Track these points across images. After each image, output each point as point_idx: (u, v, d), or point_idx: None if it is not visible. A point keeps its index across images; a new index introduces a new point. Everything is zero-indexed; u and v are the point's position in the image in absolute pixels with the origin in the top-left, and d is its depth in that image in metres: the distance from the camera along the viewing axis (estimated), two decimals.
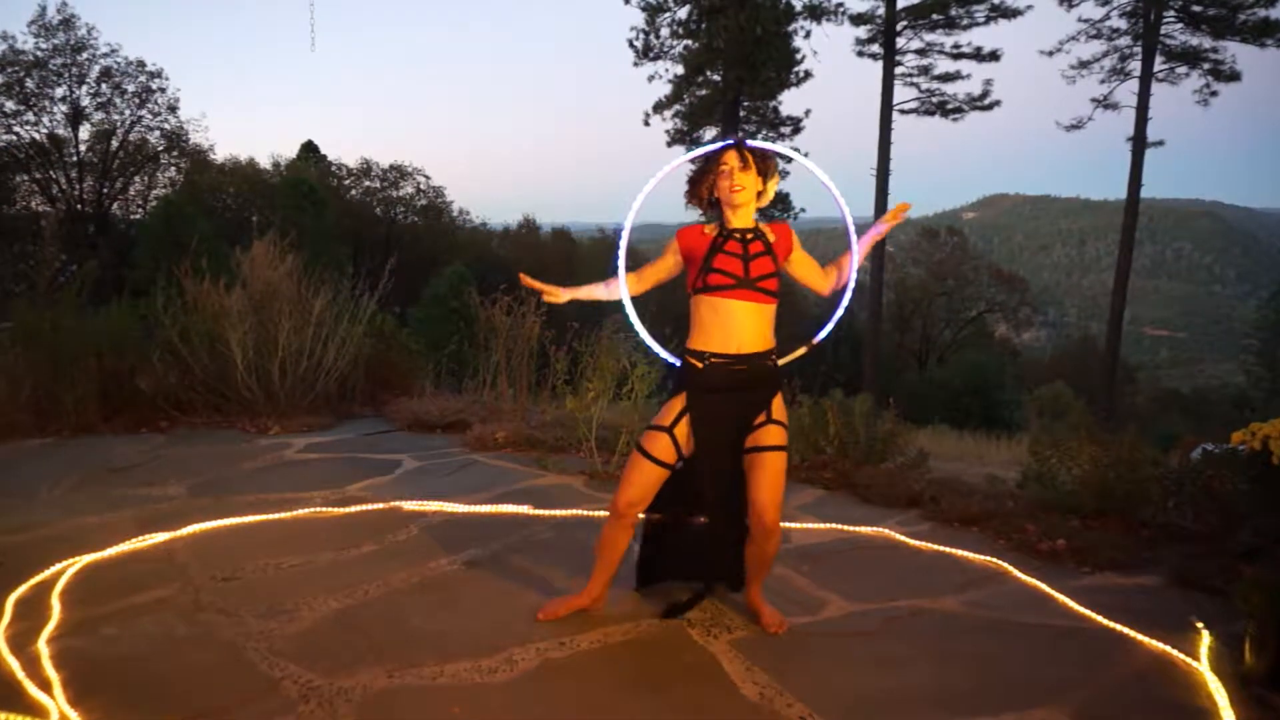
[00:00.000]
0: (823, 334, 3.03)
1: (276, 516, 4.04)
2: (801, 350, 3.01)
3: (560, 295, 2.96)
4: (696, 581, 3.06)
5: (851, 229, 2.94)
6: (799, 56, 27.98)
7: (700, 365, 2.75)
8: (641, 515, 2.91)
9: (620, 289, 2.87)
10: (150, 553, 3.54)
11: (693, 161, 2.86)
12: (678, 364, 2.83)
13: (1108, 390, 25.28)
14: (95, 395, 5.91)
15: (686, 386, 2.78)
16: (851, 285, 2.98)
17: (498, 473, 4.97)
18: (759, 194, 2.82)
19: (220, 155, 35.64)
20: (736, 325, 2.72)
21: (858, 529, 4.11)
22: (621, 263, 2.87)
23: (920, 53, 26.91)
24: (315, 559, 3.50)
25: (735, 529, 2.89)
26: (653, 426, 2.80)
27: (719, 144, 2.79)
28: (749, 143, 2.79)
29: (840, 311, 3.03)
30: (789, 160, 2.73)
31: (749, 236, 2.79)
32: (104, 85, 30.12)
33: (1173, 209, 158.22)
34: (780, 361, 2.85)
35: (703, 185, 2.81)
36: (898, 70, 26.73)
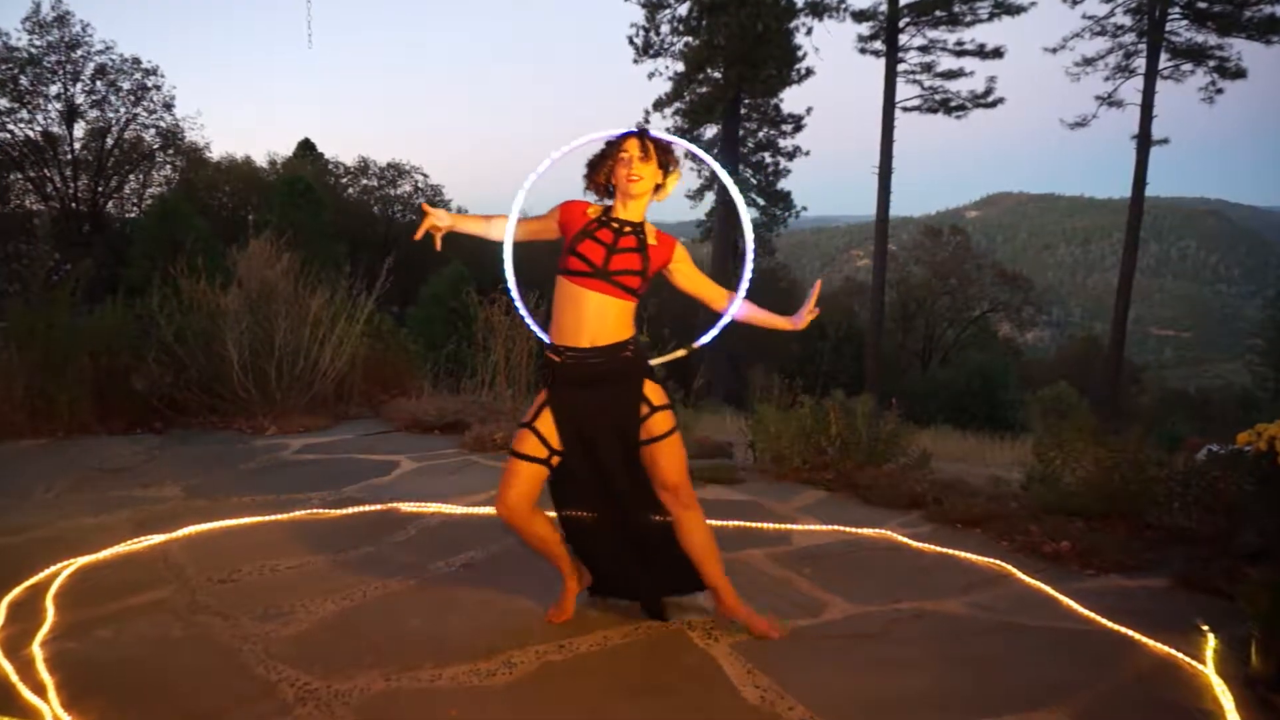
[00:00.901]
0: (703, 340, 3.07)
1: (273, 518, 4.04)
2: (680, 352, 3.02)
3: (443, 217, 2.86)
4: (640, 597, 3.00)
5: (748, 227, 3.00)
6: (800, 54, 28.00)
7: (558, 359, 2.73)
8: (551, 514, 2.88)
9: (504, 230, 2.82)
10: (146, 555, 3.54)
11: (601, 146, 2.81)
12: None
13: (1112, 391, 25.28)
14: (90, 395, 5.91)
15: (547, 381, 2.78)
16: (730, 313, 2.98)
17: (496, 474, 4.94)
18: (657, 188, 2.78)
19: (216, 153, 35.65)
20: (587, 316, 2.67)
21: (860, 530, 4.11)
22: (512, 223, 2.82)
23: (923, 49, 26.93)
24: (312, 561, 3.50)
25: (653, 532, 2.84)
26: (521, 424, 2.80)
27: (622, 130, 2.76)
28: (652, 133, 2.76)
29: (722, 322, 3.02)
30: (696, 160, 2.67)
31: (626, 229, 2.74)
32: (99, 82, 30.13)
33: (1178, 207, 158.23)
34: (655, 361, 2.86)
35: (601, 170, 2.77)
36: (900, 67, 26.74)
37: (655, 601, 2.98)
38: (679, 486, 2.76)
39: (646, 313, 4.95)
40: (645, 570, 2.92)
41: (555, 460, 2.77)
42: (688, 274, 2.89)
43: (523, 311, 3.00)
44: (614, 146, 2.75)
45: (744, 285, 2.99)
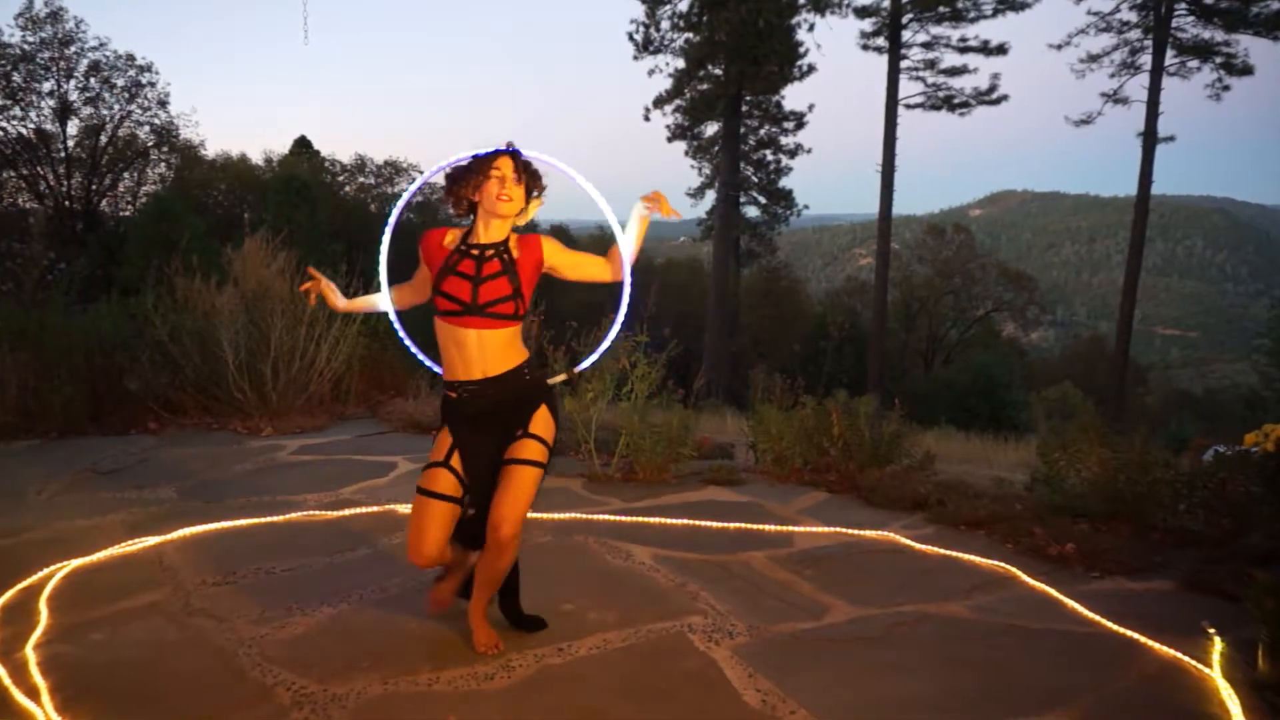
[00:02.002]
0: (588, 362, 3.05)
1: (269, 520, 4.04)
2: (562, 377, 2.96)
3: (338, 304, 2.86)
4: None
5: (616, 227, 2.79)
6: (802, 50, 28.03)
7: (454, 396, 2.67)
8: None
9: (384, 301, 2.81)
10: (140, 557, 3.55)
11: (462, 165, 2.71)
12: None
13: (1117, 391, 25.28)
14: (84, 396, 5.92)
15: (448, 418, 2.71)
16: (627, 281, 2.80)
17: None
18: (519, 211, 2.69)
19: (211, 151, 35.61)
20: (473, 353, 2.60)
21: (862, 532, 4.11)
22: (384, 271, 2.79)
23: (926, 46, 26.93)
24: (308, 563, 3.50)
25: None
26: (429, 465, 2.69)
27: (494, 149, 2.67)
28: (524, 154, 2.68)
29: (614, 333, 2.91)
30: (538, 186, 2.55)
31: (488, 254, 2.64)
32: (93, 79, 30.08)
33: (1184, 206, 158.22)
34: (550, 381, 2.80)
35: (468, 185, 2.65)
36: (903, 64, 26.74)
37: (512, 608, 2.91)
38: (509, 518, 2.60)
39: (646, 313, 4.94)
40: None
41: (467, 498, 2.70)
42: (568, 263, 2.76)
43: (414, 349, 2.98)
44: (484, 163, 2.63)
45: (627, 272, 2.80)
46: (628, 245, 2.80)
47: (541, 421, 2.70)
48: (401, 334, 2.93)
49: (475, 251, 2.65)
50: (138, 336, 6.41)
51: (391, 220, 2.91)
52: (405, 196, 3.16)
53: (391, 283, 2.89)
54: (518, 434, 2.68)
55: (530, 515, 4.12)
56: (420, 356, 3.01)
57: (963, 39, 26.51)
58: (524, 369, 2.69)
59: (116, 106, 30.74)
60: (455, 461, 2.67)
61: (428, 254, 2.71)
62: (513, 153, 2.66)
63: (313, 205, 26.01)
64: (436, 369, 2.83)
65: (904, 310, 38.88)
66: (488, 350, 2.61)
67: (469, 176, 2.65)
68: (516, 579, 2.90)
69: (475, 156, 2.67)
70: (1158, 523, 4.10)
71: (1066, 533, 3.91)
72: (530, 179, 2.69)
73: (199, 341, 6.33)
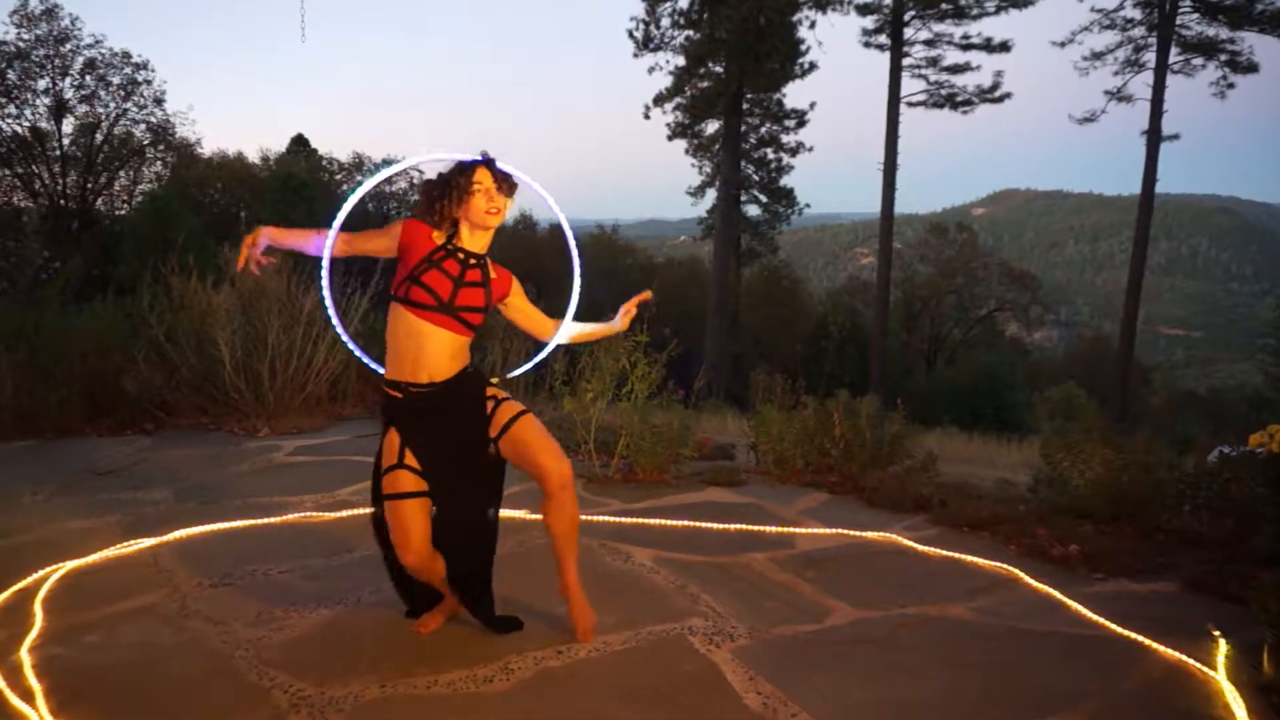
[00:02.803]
0: (518, 371, 3.25)
1: (266, 521, 4.04)
2: (494, 380, 2.93)
3: (261, 242, 2.72)
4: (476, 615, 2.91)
5: (573, 248, 3.02)
6: (804, 48, 28.05)
7: (400, 397, 2.66)
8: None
9: (323, 245, 2.74)
10: (135, 559, 3.54)
11: (437, 176, 2.71)
12: (381, 370, 2.77)
13: (1121, 391, 25.29)
14: (79, 396, 5.91)
15: (393, 420, 2.70)
16: (556, 339, 3.00)
17: None
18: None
19: (208, 149, 35.68)
20: (429, 353, 2.62)
21: (864, 534, 4.11)
22: (331, 237, 2.73)
23: (929, 43, 26.97)
24: (306, 565, 3.50)
25: (479, 551, 2.81)
26: (386, 470, 2.67)
27: (469, 159, 2.68)
28: (499, 165, 2.70)
29: (547, 350, 3.09)
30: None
31: (472, 262, 2.68)
32: (88, 77, 30.11)
33: (1188, 205, 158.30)
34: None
35: (450, 202, 2.65)
36: (905, 61, 26.77)
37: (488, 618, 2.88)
38: (555, 466, 2.66)
39: (646, 313, 4.94)
40: (464, 590, 2.83)
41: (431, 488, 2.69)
42: (521, 308, 2.90)
43: (345, 338, 2.94)
44: (466, 178, 2.64)
45: (571, 310, 2.98)
46: (573, 329, 3.01)
47: (492, 391, 2.77)
48: (330, 304, 2.91)
49: (461, 255, 2.68)
50: (133, 336, 6.41)
51: (349, 202, 2.85)
52: (368, 184, 3.16)
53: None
54: (489, 410, 2.72)
55: (529, 516, 4.14)
56: (349, 343, 2.95)
57: (965, 36, 26.57)
58: (466, 369, 2.73)
59: (112, 104, 30.77)
60: (410, 459, 2.65)
61: (412, 239, 2.68)
62: (489, 162, 2.68)
63: (310, 204, 26.04)
64: (371, 363, 2.85)
65: (906, 310, 38.88)
66: (444, 353, 2.64)
67: (450, 192, 2.66)
68: (489, 578, 2.87)
69: (455, 167, 2.68)
70: (1162, 524, 4.10)
71: (1070, 534, 3.91)
72: (508, 185, 2.71)
73: (195, 341, 6.33)
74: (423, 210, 2.71)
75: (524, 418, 2.72)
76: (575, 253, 3.09)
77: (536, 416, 2.76)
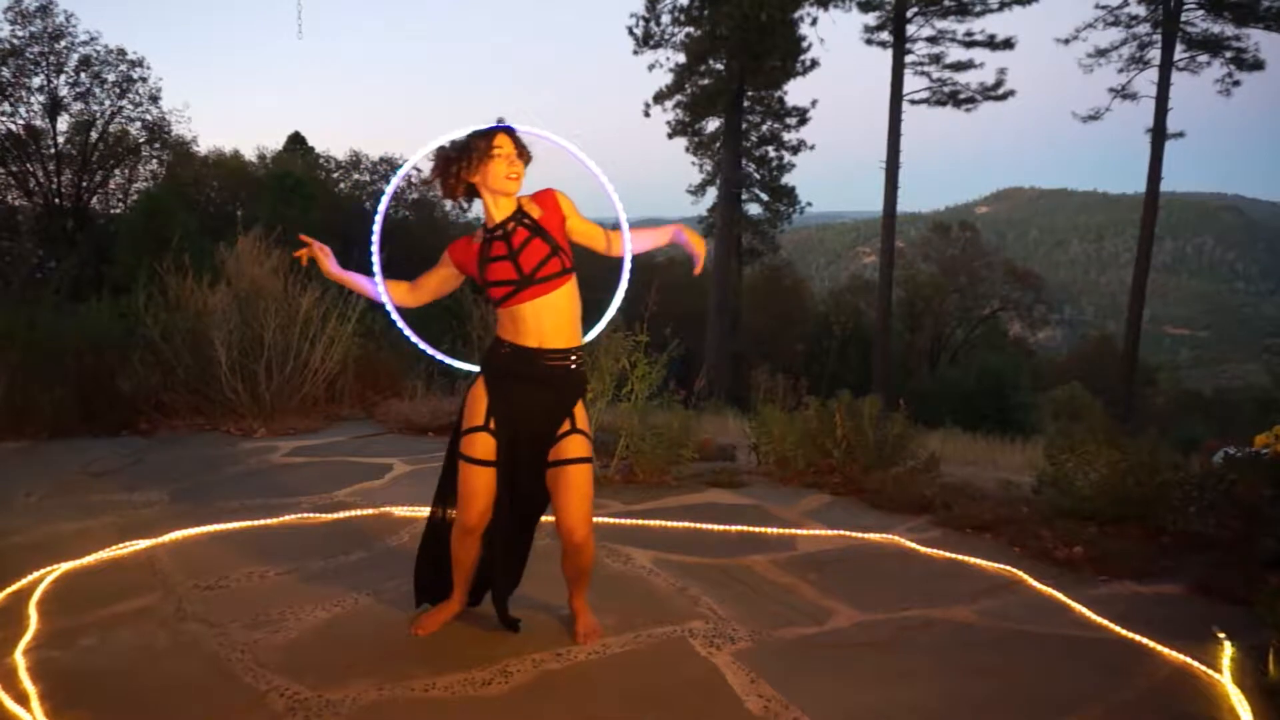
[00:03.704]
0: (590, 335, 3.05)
1: (262, 523, 4.04)
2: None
3: (331, 270, 2.87)
4: (485, 591, 3.00)
5: (623, 215, 2.92)
6: (805, 45, 28.03)
7: (505, 351, 2.71)
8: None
9: (383, 297, 2.83)
10: (131, 561, 3.55)
11: (447, 147, 2.72)
12: (462, 366, 2.85)
13: (1126, 391, 25.28)
14: (73, 397, 5.92)
15: (490, 374, 2.74)
16: (627, 267, 2.91)
17: None
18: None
19: (204, 147, 35.66)
20: (536, 323, 2.65)
21: (866, 536, 4.11)
22: (377, 263, 2.81)
23: (931, 40, 26.93)
24: (303, 567, 3.50)
25: (525, 537, 2.92)
26: (467, 430, 2.72)
27: (489, 126, 2.68)
28: (518, 130, 2.71)
29: (618, 298, 2.98)
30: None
31: (510, 227, 2.68)
32: (83, 74, 30.07)
33: (1194, 203, 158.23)
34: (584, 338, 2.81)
35: (466, 167, 2.66)
36: (908, 59, 26.74)
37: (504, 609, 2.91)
38: (580, 518, 2.69)
39: (646, 311, 4.94)
40: (503, 573, 2.90)
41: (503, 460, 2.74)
42: (579, 226, 2.79)
43: (431, 350, 3.01)
44: (486, 143, 2.64)
45: (626, 255, 2.90)
46: (643, 238, 2.91)
47: (583, 416, 2.78)
48: (399, 323, 2.93)
49: (499, 231, 2.69)
50: (129, 336, 6.42)
51: (382, 207, 2.93)
52: (391, 186, 3.19)
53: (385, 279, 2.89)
54: (564, 430, 2.72)
55: None
56: (434, 352, 3.04)
57: (968, 33, 26.53)
58: (574, 354, 2.73)
59: (107, 102, 30.74)
60: (493, 424, 2.70)
61: (460, 257, 2.76)
62: (509, 129, 2.69)
63: (307, 202, 26.03)
64: (441, 358, 2.93)
65: (909, 309, 38.85)
66: (556, 315, 2.66)
67: (466, 157, 2.66)
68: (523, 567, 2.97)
69: (473, 132, 2.68)
70: (1167, 526, 4.09)
71: (1074, 536, 3.91)
72: (527, 155, 2.72)
73: (191, 341, 6.34)
74: (435, 175, 2.71)
75: (581, 465, 2.71)
76: (613, 195, 2.94)
77: (592, 467, 2.76)
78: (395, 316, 2.92)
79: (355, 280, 2.94)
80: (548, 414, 2.72)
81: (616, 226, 2.94)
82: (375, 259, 2.85)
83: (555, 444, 2.72)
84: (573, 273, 2.70)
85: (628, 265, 2.91)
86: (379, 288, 2.84)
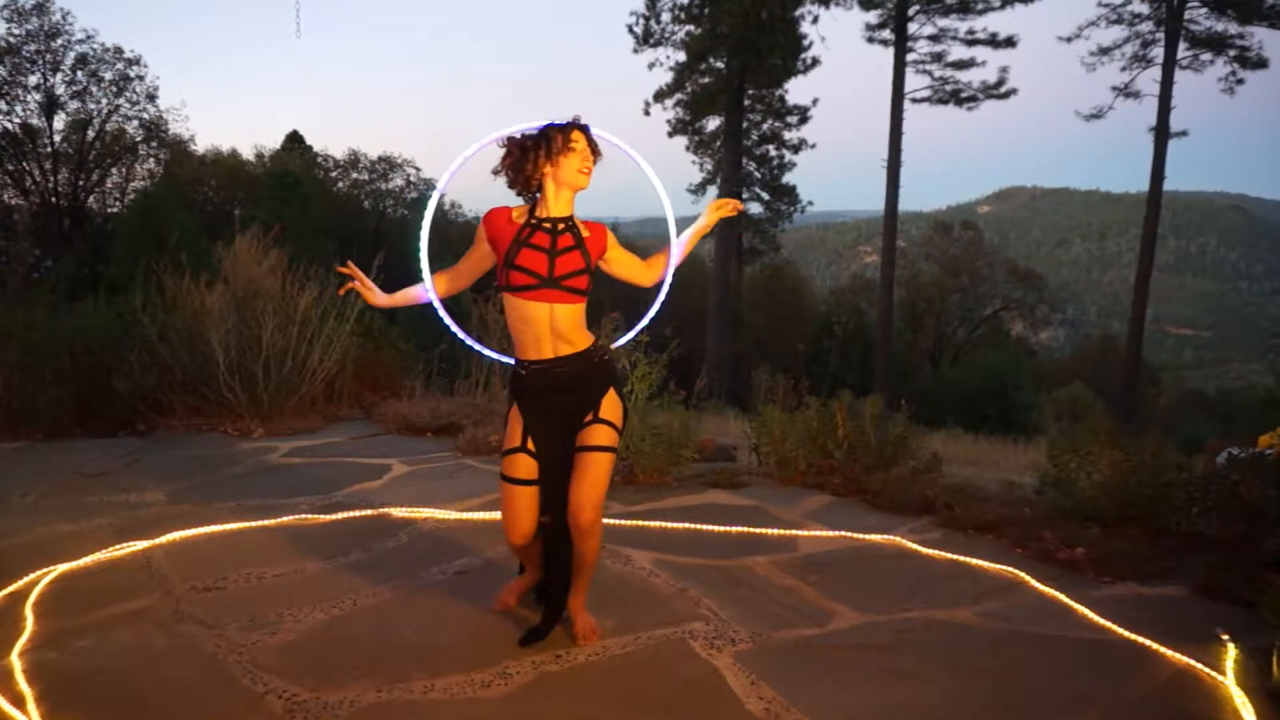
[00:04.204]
0: (635, 332, 3.20)
1: (260, 524, 4.04)
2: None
3: (378, 300, 2.92)
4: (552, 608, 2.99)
5: (672, 225, 3.01)
6: (806, 43, 28.04)
7: (524, 373, 2.75)
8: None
9: (430, 293, 2.84)
10: (127, 562, 3.54)
11: (516, 139, 2.74)
12: (505, 360, 2.92)
13: (1129, 392, 25.28)
14: (70, 397, 5.92)
15: (517, 396, 2.80)
16: (668, 281, 2.98)
17: (491, 478, 4.96)
18: None
19: (201, 146, 35.74)
20: (543, 327, 2.67)
21: (868, 537, 4.11)
22: (425, 264, 2.84)
23: (933, 39, 26.97)
24: (301, 568, 3.50)
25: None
26: (507, 452, 2.78)
27: (566, 122, 2.72)
28: (594, 131, 2.76)
29: (656, 306, 3.07)
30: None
31: (560, 227, 2.70)
32: (80, 73, 30.10)
33: (1197, 202, 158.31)
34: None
35: (543, 158, 2.67)
36: (909, 57, 26.77)
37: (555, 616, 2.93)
38: (590, 506, 2.71)
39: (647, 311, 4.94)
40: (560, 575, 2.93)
41: (545, 517, 2.80)
42: (621, 260, 2.86)
43: (471, 342, 3.02)
44: (564, 135, 2.68)
45: (669, 272, 2.98)
46: (678, 250, 2.97)
47: (610, 405, 2.78)
48: (447, 320, 2.96)
49: (548, 225, 2.70)
50: (126, 336, 6.41)
51: (433, 200, 2.96)
52: (450, 172, 2.96)
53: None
54: (588, 419, 2.75)
55: None
56: (480, 347, 3.07)
57: (970, 31, 26.58)
58: (594, 352, 2.77)
59: (104, 100, 30.77)
60: (530, 445, 2.75)
61: (495, 231, 2.72)
62: (584, 126, 2.73)
63: (305, 201, 26.05)
64: (495, 355, 2.99)
65: (910, 309, 38.87)
66: (560, 326, 2.68)
67: (544, 145, 2.68)
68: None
69: (550, 125, 2.70)
70: (1170, 527, 4.10)
71: (1077, 537, 3.91)
72: (598, 152, 2.76)
73: (188, 341, 6.33)
74: (509, 163, 2.72)
75: (600, 454, 2.74)
76: (663, 192, 3.05)
77: (612, 457, 2.78)
78: (443, 314, 2.93)
79: (401, 296, 2.95)
80: (573, 411, 2.77)
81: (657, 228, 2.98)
82: (423, 256, 2.87)
83: (580, 430, 2.75)
84: (586, 297, 2.73)
85: (670, 274, 2.97)
86: (427, 283, 2.84)
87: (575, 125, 2.71)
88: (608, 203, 3.01)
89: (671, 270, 2.96)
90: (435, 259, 2.91)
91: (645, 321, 3.12)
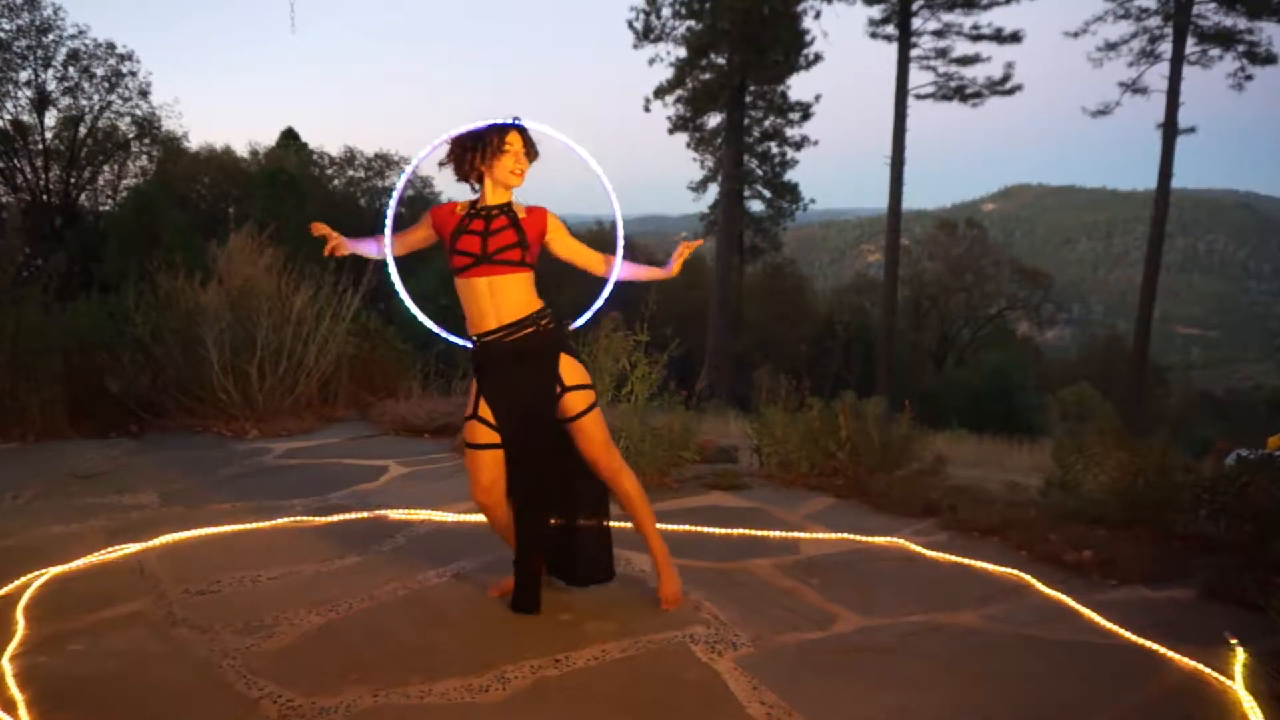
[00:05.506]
0: (580, 321, 3.25)
1: (254, 526, 4.04)
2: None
3: (344, 245, 3.09)
4: (561, 577, 3.27)
5: (620, 224, 3.25)
6: (808, 38, 28.10)
7: (477, 347, 2.99)
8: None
9: (382, 246, 3.13)
10: (120, 565, 3.55)
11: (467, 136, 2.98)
12: (456, 340, 3.12)
13: (1136, 392, 25.30)
14: (62, 397, 5.92)
15: (476, 370, 3.04)
16: (611, 283, 3.15)
17: None
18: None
19: (195, 143, 35.62)
20: (485, 301, 2.92)
21: (871, 539, 4.12)
22: (389, 228, 3.11)
23: (937, 34, 27.00)
24: (296, 571, 3.50)
25: (577, 512, 3.17)
26: (465, 419, 3.06)
27: (504, 122, 2.95)
28: (529, 129, 2.99)
29: (598, 304, 3.20)
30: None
31: (494, 213, 2.97)
32: (71, 69, 30.10)
33: (1205, 200, 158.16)
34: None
35: (479, 156, 2.93)
36: (913, 52, 26.79)
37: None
38: (598, 459, 3.05)
39: (647, 310, 4.94)
40: (571, 560, 3.21)
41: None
42: (564, 242, 3.08)
43: (419, 314, 3.15)
44: (499, 137, 2.93)
45: (620, 247, 3.17)
46: (635, 270, 3.20)
47: (569, 369, 3.02)
48: (401, 292, 3.15)
49: (483, 212, 2.98)
50: (118, 336, 6.42)
51: (399, 186, 3.40)
52: (408, 170, 3.45)
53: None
54: (556, 392, 2.98)
55: None
56: (430, 323, 3.18)
57: (975, 26, 26.61)
58: (539, 316, 2.96)
59: (96, 97, 30.77)
60: (484, 411, 3.00)
61: (440, 221, 3.03)
62: (521, 128, 2.97)
63: (300, 199, 26.07)
64: (451, 336, 3.14)
65: (914, 308, 38.90)
66: (499, 296, 2.92)
67: (480, 147, 2.94)
68: (542, 540, 3.14)
69: (490, 126, 2.94)
70: (1178, 529, 4.10)
71: (1083, 539, 3.91)
72: (534, 153, 3.01)
73: (182, 341, 6.33)
74: (450, 159, 3.01)
75: (583, 418, 3.02)
76: (613, 196, 3.25)
77: (595, 413, 3.05)
78: (398, 285, 3.15)
79: (361, 245, 3.16)
80: (533, 385, 2.98)
81: (614, 225, 3.21)
82: (389, 217, 3.13)
83: (557, 406, 2.99)
84: (529, 269, 2.96)
85: (612, 281, 3.15)
86: (387, 239, 3.10)
87: (512, 127, 2.95)
88: (607, 201, 3.13)
89: (614, 276, 3.13)
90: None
91: (593, 310, 3.24)
